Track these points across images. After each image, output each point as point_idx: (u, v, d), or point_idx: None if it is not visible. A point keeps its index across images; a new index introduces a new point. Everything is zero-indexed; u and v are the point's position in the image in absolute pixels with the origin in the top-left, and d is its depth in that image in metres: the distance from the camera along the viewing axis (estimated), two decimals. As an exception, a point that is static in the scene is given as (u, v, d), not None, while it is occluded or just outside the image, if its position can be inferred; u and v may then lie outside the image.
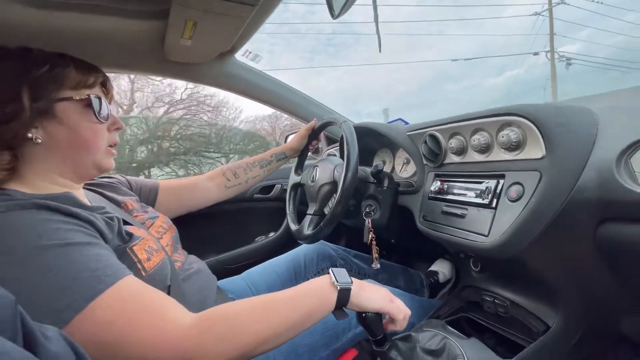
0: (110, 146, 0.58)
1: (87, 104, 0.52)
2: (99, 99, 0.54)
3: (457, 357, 0.62)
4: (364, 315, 0.54)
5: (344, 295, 0.51)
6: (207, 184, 0.89)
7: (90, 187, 0.65)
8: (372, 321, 0.54)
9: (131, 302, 0.42)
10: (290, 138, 1.14)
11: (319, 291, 0.51)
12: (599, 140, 0.54)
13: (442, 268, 1.20)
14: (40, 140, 0.49)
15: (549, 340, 0.64)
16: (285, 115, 1.31)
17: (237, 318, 0.45)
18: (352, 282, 0.52)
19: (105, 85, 0.57)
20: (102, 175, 0.74)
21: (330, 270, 0.53)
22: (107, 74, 0.60)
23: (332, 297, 0.50)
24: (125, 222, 0.58)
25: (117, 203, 0.66)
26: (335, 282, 0.51)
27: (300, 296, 0.50)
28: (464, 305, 0.83)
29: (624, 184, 0.47)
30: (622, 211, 0.49)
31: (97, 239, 0.46)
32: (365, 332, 0.75)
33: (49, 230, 0.42)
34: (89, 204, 0.53)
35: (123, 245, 0.51)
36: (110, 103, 0.58)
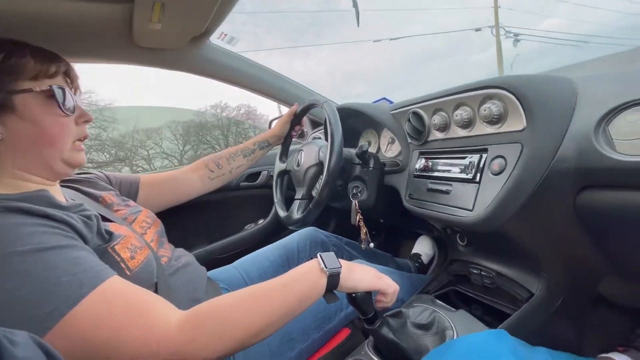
0: (80, 140, 0.55)
1: (50, 95, 0.49)
2: (63, 89, 0.50)
3: (446, 329, 0.64)
4: (353, 295, 0.54)
5: (333, 279, 0.50)
6: (190, 176, 0.87)
7: (66, 184, 0.62)
8: (362, 301, 0.54)
9: (117, 304, 0.40)
10: (274, 124, 1.12)
11: (308, 277, 0.50)
12: (578, 109, 0.54)
13: (423, 248, 1.23)
14: (0, 137, 0.45)
15: (533, 307, 0.66)
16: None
17: (227, 313, 0.44)
18: (341, 266, 0.52)
19: (69, 74, 0.53)
20: (79, 172, 0.71)
21: (318, 255, 0.52)
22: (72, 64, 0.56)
23: (322, 283, 0.50)
24: (105, 219, 0.56)
25: (95, 198, 0.63)
26: (324, 268, 0.50)
27: (289, 284, 0.49)
28: (452, 279, 0.85)
29: (602, 151, 0.47)
30: (600, 178, 0.49)
31: (76, 240, 0.44)
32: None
33: (24, 234, 0.40)
34: (65, 203, 0.50)
35: (104, 245, 0.49)
36: (75, 94, 0.54)
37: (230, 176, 0.93)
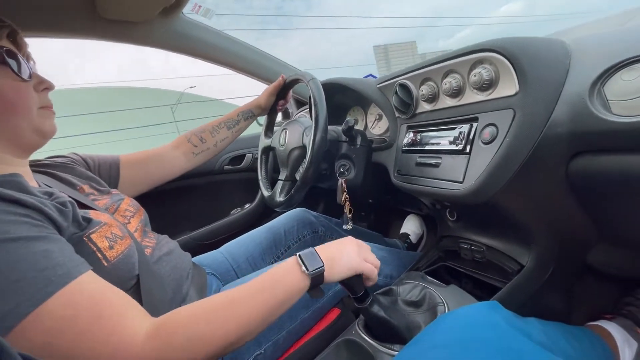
0: (46, 107, 0.51)
1: (1, 60, 0.44)
2: (13, 52, 0.46)
3: (437, 304, 0.63)
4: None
5: (316, 279, 0.47)
6: (173, 153, 0.81)
7: (39, 168, 0.57)
8: (351, 281, 0.52)
9: (84, 308, 0.36)
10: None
11: (290, 280, 0.46)
12: (572, 71, 0.51)
13: (411, 227, 1.22)
14: None
15: (523, 279, 0.65)
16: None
17: (200, 324, 0.39)
18: (323, 264, 0.47)
19: (15, 40, 0.48)
20: (54, 155, 0.66)
21: (297, 256, 0.48)
22: (29, 39, 0.51)
23: (304, 284, 0.46)
24: (84, 206, 0.51)
25: (72, 185, 0.58)
26: (306, 271, 0.46)
27: (269, 288, 0.45)
28: (443, 255, 0.84)
29: (597, 113, 0.45)
30: (594, 142, 0.47)
31: (47, 229, 0.40)
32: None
33: None
34: (38, 189, 0.45)
35: (79, 233, 0.45)
36: (28, 61, 0.49)
37: (215, 150, 0.88)
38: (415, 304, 0.62)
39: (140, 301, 0.45)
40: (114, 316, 0.38)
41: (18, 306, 0.33)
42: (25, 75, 0.47)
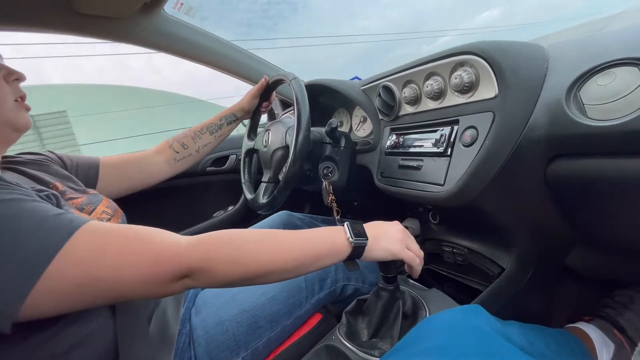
0: (20, 99, 0.50)
1: None
2: None
3: (419, 308, 0.63)
4: None
5: (357, 250, 0.49)
6: (154, 159, 0.79)
7: (8, 165, 0.53)
8: (388, 263, 0.54)
9: (114, 233, 0.37)
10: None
11: (332, 243, 0.48)
12: (549, 75, 0.52)
13: (412, 224, 1.22)
14: None
15: (504, 282, 0.65)
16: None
17: (245, 244, 0.42)
18: (367, 239, 0.49)
19: None
20: (26, 152, 0.62)
21: (345, 224, 0.50)
22: None
23: (345, 251, 0.48)
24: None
25: (45, 183, 0.54)
26: (350, 239, 0.48)
27: (313, 241, 0.47)
28: (425, 258, 0.84)
29: (573, 117, 0.45)
30: (571, 146, 0.48)
31: (40, 200, 0.38)
32: (330, 296, 0.74)
33: None
34: (13, 182, 0.43)
35: None
36: None
37: (197, 156, 0.86)
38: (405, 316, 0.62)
39: (114, 305, 0.43)
40: (147, 233, 0.39)
41: (53, 240, 0.33)
42: None
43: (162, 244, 0.38)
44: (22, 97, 0.51)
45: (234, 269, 0.40)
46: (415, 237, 1.19)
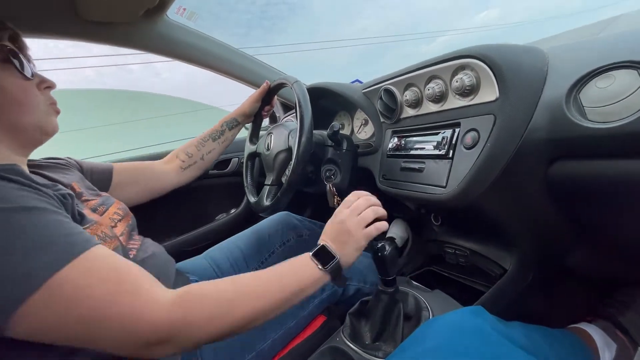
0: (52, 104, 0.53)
1: (4, 59, 0.46)
2: (16, 53, 0.48)
3: (421, 309, 0.63)
4: (379, 254, 0.56)
5: (335, 272, 0.50)
6: (163, 168, 0.83)
7: (32, 169, 0.56)
8: (388, 260, 0.56)
9: (107, 270, 0.37)
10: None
11: (311, 274, 0.48)
12: (550, 78, 0.53)
13: (397, 231, 1.22)
14: None
15: (506, 283, 0.66)
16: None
17: (227, 297, 0.42)
18: (336, 257, 0.50)
19: (16, 41, 0.50)
20: (47, 157, 0.65)
21: (310, 257, 0.50)
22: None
23: (323, 278, 0.49)
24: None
25: (64, 185, 0.57)
26: (322, 269, 0.49)
27: (290, 277, 0.47)
28: (428, 260, 0.84)
29: (573, 119, 0.46)
30: (572, 148, 0.48)
31: (57, 206, 0.41)
32: (332, 297, 0.74)
33: (6, 194, 0.36)
34: (40, 180, 0.46)
35: None
36: (29, 62, 0.51)
37: (203, 163, 0.89)
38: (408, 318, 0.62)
39: None
40: (136, 281, 0.39)
41: (54, 260, 0.34)
42: (28, 74, 0.49)
43: (147, 301, 0.37)
44: (53, 104, 0.54)
45: (216, 325, 0.40)
46: (405, 241, 1.20)
